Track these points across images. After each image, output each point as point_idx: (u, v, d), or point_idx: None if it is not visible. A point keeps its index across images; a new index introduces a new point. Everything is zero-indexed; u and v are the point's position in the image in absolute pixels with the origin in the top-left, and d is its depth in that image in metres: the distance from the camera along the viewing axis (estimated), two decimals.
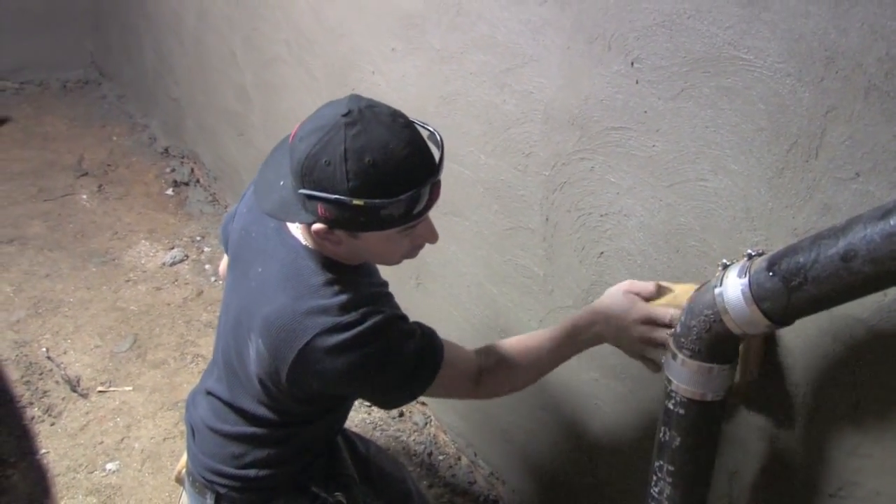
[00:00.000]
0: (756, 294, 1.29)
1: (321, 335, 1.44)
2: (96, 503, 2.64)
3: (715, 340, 1.38)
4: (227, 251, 1.81)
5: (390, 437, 2.97)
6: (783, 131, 1.47)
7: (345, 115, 1.34)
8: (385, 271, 1.74)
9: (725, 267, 1.39)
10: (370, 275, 1.66)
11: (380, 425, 3.02)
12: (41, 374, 3.15)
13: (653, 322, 1.54)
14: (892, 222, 1.07)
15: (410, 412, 3.07)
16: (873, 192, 1.33)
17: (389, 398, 1.60)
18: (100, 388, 3.12)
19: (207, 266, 3.87)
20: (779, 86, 1.45)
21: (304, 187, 1.36)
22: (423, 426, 3.01)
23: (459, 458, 2.87)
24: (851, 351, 1.44)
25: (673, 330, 1.47)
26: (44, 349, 3.29)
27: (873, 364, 1.41)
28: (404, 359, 1.51)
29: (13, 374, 3.12)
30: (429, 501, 2.30)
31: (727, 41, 1.52)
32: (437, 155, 1.43)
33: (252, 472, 1.74)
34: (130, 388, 3.14)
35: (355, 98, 1.39)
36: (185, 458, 1.97)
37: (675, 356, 1.45)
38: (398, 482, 2.17)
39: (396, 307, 1.59)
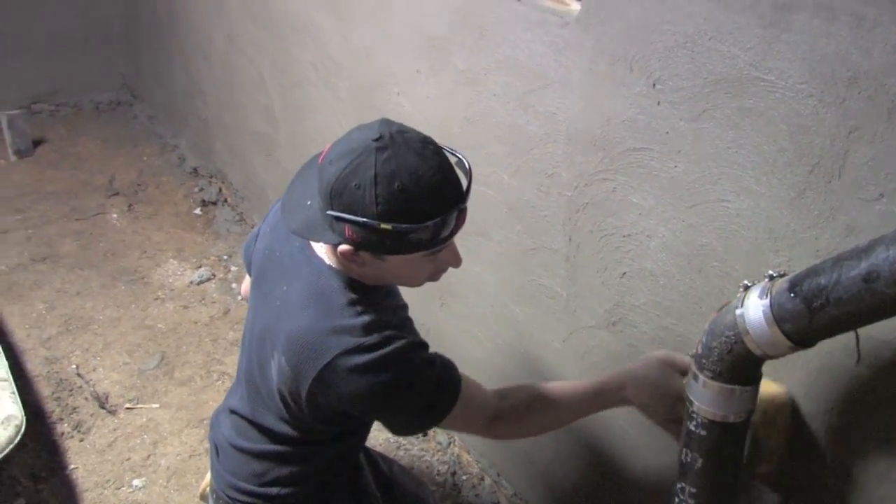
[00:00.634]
0: (777, 315, 1.29)
1: (343, 355, 1.45)
2: None
3: (736, 362, 1.38)
4: (249, 271, 1.83)
5: (414, 457, 2.97)
6: (805, 152, 1.46)
7: (376, 140, 1.35)
8: (409, 290, 1.75)
9: (746, 288, 1.39)
10: (392, 296, 1.67)
11: (403, 445, 3.02)
12: (71, 390, 3.18)
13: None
14: None
15: (434, 432, 3.07)
16: None
17: (404, 424, 1.60)
18: (127, 405, 3.15)
19: (234, 285, 3.90)
20: (801, 106, 1.46)
21: (332, 209, 1.38)
22: (447, 446, 3.00)
23: (483, 479, 2.87)
24: (876, 372, 1.42)
25: (694, 350, 1.47)
26: (74, 366, 3.33)
27: None
28: (423, 387, 1.51)
29: (44, 391, 3.16)
30: None
31: (748, 62, 1.53)
32: (464, 182, 1.44)
33: (274, 490, 1.75)
34: (157, 405, 3.17)
35: (386, 123, 1.41)
36: (209, 475, 1.98)
37: (696, 377, 1.45)
38: (421, 502, 2.17)
39: (417, 333, 1.59)
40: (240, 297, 3.78)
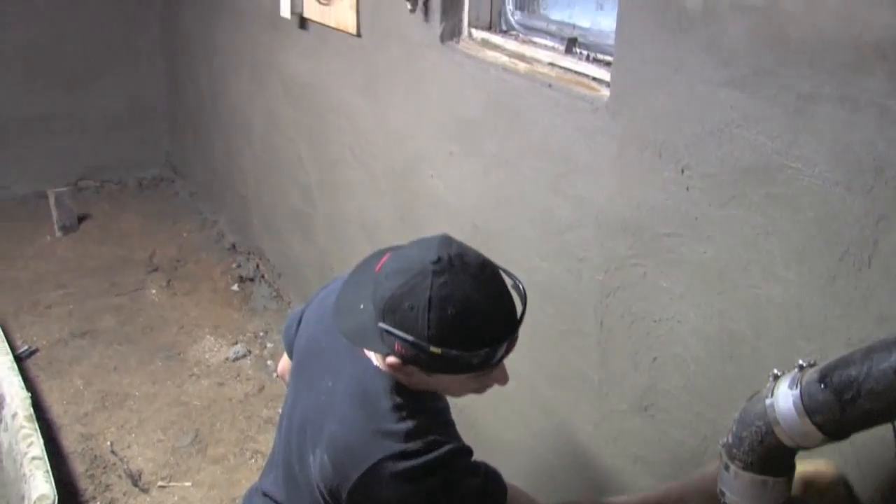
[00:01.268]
0: (808, 406, 1.27)
1: (386, 460, 1.43)
2: None
3: (768, 452, 1.36)
4: (289, 353, 1.83)
5: None
6: (834, 239, 1.46)
7: (434, 263, 1.35)
8: None
9: (776, 377, 1.38)
10: (436, 399, 1.65)
11: None
12: (105, 467, 3.20)
13: None
14: None
15: None
16: None
17: None
18: (160, 483, 3.16)
19: (269, 362, 3.93)
20: (828, 194, 1.46)
21: (384, 322, 1.38)
22: None
23: None
24: None
25: (724, 439, 1.45)
26: (109, 443, 3.35)
27: None
28: (467, 495, 1.48)
29: (79, 468, 3.18)
30: None
31: (775, 150, 1.54)
32: (519, 309, 1.44)
33: None
34: (190, 483, 3.17)
35: (446, 243, 1.41)
36: None
37: (727, 467, 1.43)
38: None
39: (460, 438, 1.57)
40: (275, 375, 3.80)
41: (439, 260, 1.36)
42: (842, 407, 1.21)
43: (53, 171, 5.61)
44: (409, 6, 2.63)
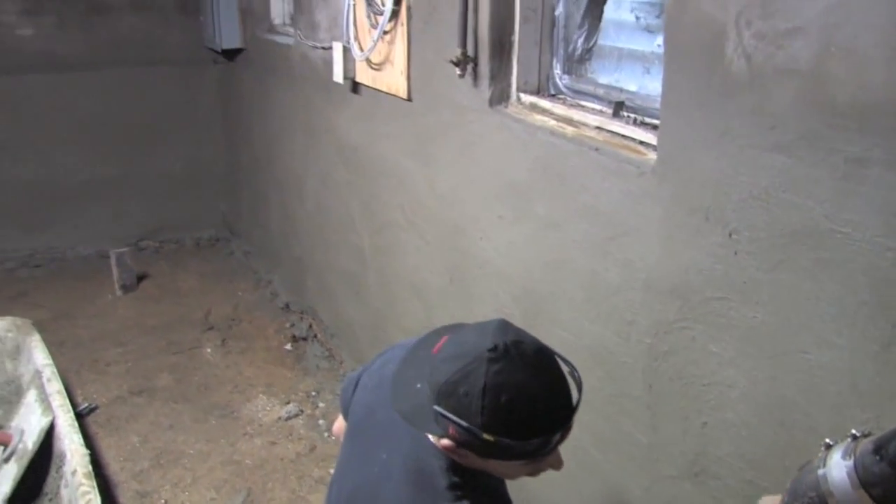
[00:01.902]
0: (864, 478, 1.24)
1: None
2: None
3: None
4: (344, 415, 1.83)
5: None
6: (887, 305, 1.45)
7: (490, 350, 1.35)
8: None
9: (829, 447, 1.35)
10: (492, 476, 1.64)
11: None
12: None
13: None
14: None
15: None
16: None
17: None
18: None
19: (321, 421, 3.95)
20: (879, 259, 1.45)
21: (439, 405, 1.38)
22: None
23: None
24: None
25: None
26: (163, 501, 3.39)
27: None
28: None
29: None
30: None
31: (823, 214, 1.53)
32: (575, 397, 1.43)
33: None
34: None
35: (503, 329, 1.41)
36: None
37: None
38: None
39: None
40: (328, 436, 3.81)
41: (495, 347, 1.35)
42: None
43: (115, 232, 5.81)
44: (458, 71, 2.69)
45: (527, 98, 2.60)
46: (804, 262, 1.59)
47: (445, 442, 1.40)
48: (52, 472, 2.98)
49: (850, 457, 1.27)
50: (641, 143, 2.10)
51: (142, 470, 3.58)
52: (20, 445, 3.03)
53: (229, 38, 5.25)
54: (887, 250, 1.43)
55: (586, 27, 2.39)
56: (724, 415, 1.83)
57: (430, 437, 1.50)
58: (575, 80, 2.54)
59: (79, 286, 5.43)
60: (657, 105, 2.01)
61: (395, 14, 3.12)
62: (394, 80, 3.25)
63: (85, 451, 2.81)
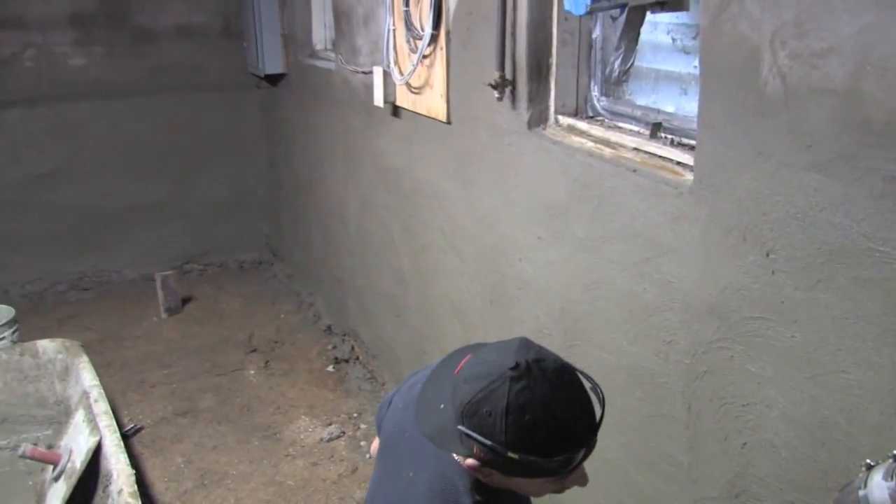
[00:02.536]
0: None
1: None
2: None
3: None
4: (379, 434, 1.85)
5: None
6: None
7: (512, 369, 1.36)
8: None
9: (869, 468, 1.34)
10: (517, 495, 1.65)
11: None
12: None
13: None
14: None
15: None
16: None
17: None
18: None
19: (363, 443, 3.97)
20: None
21: (463, 425, 1.39)
22: None
23: None
24: None
25: None
26: None
27: None
28: None
29: None
30: None
31: (861, 233, 1.53)
32: (598, 412, 1.43)
33: None
34: None
35: (524, 347, 1.42)
36: None
37: None
38: None
39: None
40: (369, 457, 3.83)
41: (517, 366, 1.36)
42: None
43: (160, 256, 5.94)
44: (496, 94, 2.72)
45: (565, 120, 2.62)
46: (842, 281, 1.58)
47: (470, 461, 1.41)
48: (99, 492, 3.03)
49: (891, 478, 1.27)
50: (678, 163, 2.11)
51: (186, 490, 3.63)
52: (68, 464, 3.10)
53: (272, 63, 5.35)
54: None
55: (623, 49, 2.41)
56: (764, 435, 1.82)
57: (455, 456, 1.52)
58: (612, 102, 2.55)
59: (125, 309, 5.54)
60: (694, 126, 2.02)
61: (434, 38, 3.16)
62: (433, 103, 3.29)
63: (130, 471, 2.86)
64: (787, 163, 1.67)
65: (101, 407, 3.23)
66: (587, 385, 1.44)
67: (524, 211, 2.71)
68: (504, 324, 2.94)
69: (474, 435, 1.36)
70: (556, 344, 2.60)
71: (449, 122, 3.19)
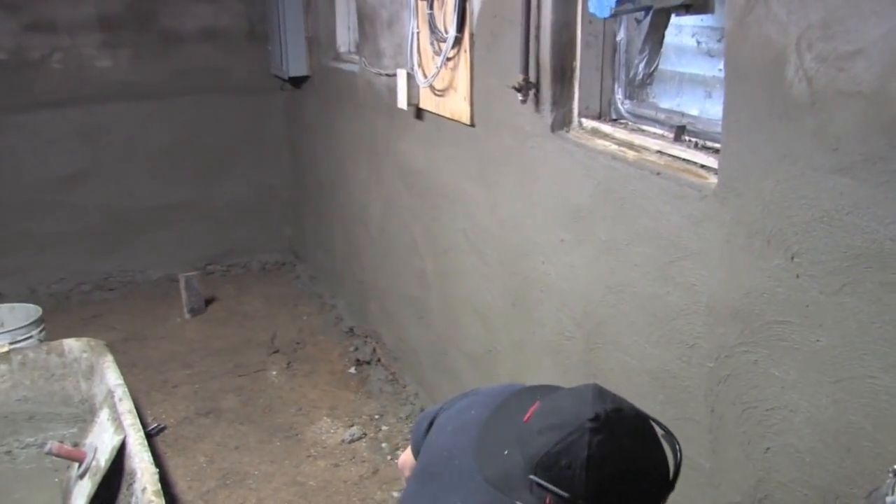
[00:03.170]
0: None
1: None
2: None
3: None
4: (415, 451, 1.81)
5: None
6: None
7: (591, 420, 1.32)
8: None
9: None
10: None
11: None
12: None
13: None
14: None
15: None
16: None
17: None
18: None
19: (384, 444, 3.98)
20: None
21: (536, 475, 1.34)
22: None
23: None
24: None
25: None
26: None
27: None
28: None
29: None
30: None
31: (888, 236, 1.52)
32: (672, 464, 1.41)
33: None
34: None
35: (600, 396, 1.38)
36: None
37: None
38: None
39: None
40: (391, 459, 3.84)
41: (597, 417, 1.32)
42: None
43: (184, 257, 5.98)
44: (520, 97, 2.72)
45: (588, 123, 2.62)
46: (868, 285, 1.57)
47: None
48: (123, 490, 3.06)
49: None
50: (702, 166, 2.10)
51: (208, 490, 3.65)
52: (93, 462, 3.13)
53: (296, 65, 5.38)
54: None
55: (647, 52, 2.40)
56: (788, 440, 1.81)
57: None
58: (636, 105, 2.55)
59: (150, 309, 5.59)
60: (718, 129, 2.01)
61: (458, 41, 3.17)
62: (457, 105, 3.29)
63: (154, 470, 2.89)
64: (812, 166, 1.67)
65: (126, 406, 3.26)
66: (660, 432, 1.42)
67: (547, 213, 2.71)
68: (526, 326, 2.94)
69: (551, 487, 1.32)
70: (578, 347, 2.60)
71: (472, 125, 3.19)
